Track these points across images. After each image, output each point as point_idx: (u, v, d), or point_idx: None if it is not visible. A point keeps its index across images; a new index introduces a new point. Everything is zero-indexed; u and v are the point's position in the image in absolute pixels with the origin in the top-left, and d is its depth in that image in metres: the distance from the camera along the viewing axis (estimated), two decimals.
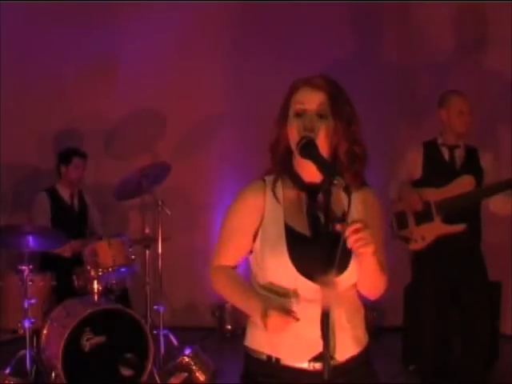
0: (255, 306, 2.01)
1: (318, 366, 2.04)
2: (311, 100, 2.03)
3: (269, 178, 2.12)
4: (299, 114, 2.04)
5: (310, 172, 2.04)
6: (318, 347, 2.01)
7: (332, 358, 2.02)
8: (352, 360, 2.09)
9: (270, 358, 2.09)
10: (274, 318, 1.95)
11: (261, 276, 2.10)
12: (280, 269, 2.03)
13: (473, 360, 4.39)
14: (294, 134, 2.03)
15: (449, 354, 4.49)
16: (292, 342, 2.04)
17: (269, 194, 2.09)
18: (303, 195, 2.08)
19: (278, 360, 2.08)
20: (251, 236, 2.11)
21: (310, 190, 2.07)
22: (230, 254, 2.18)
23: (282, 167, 2.10)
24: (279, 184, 2.10)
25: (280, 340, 2.05)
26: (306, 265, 2.02)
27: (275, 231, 2.05)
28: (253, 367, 2.15)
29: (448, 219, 4.28)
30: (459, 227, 4.27)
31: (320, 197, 2.04)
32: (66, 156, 5.50)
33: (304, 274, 2.02)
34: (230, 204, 2.17)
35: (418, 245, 4.36)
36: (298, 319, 1.96)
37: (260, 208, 2.09)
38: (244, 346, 2.18)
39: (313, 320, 2.02)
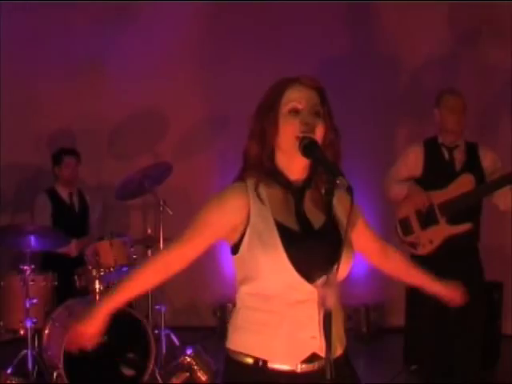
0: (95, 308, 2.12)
1: (305, 367, 2.02)
2: (306, 98, 2.02)
3: (250, 180, 2.06)
4: (295, 112, 2.02)
5: (294, 170, 2.05)
6: (309, 349, 2.01)
7: (321, 358, 2.00)
8: (337, 360, 2.04)
9: (256, 361, 2.03)
10: (81, 331, 2.07)
11: (249, 278, 2.04)
12: (275, 265, 1.97)
13: (470, 360, 4.39)
14: (290, 132, 2.01)
15: (449, 354, 4.49)
16: (283, 344, 2.01)
17: (252, 195, 2.03)
18: (289, 194, 2.06)
19: (264, 363, 2.02)
20: (221, 235, 2.05)
21: (296, 188, 2.06)
22: (189, 247, 2.07)
23: (267, 166, 2.05)
24: (262, 184, 2.04)
25: (270, 343, 2.02)
26: (301, 261, 1.98)
27: (265, 228, 1.99)
28: (236, 371, 2.08)
29: (452, 220, 4.28)
30: (466, 227, 4.26)
31: (307, 195, 2.06)
32: (57, 156, 5.56)
33: (299, 270, 1.97)
34: (210, 200, 2.08)
35: (425, 249, 4.33)
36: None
37: (244, 208, 2.02)
38: (226, 349, 2.10)
39: (304, 321, 2.00)
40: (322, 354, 1.99)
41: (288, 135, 2.01)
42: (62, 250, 5.09)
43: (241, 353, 2.06)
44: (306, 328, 2.01)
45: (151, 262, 2.21)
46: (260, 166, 2.05)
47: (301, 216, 2.04)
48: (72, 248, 5.13)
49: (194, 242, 2.08)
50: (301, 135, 1.99)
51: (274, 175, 2.05)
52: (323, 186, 2.05)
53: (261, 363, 2.02)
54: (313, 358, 2.02)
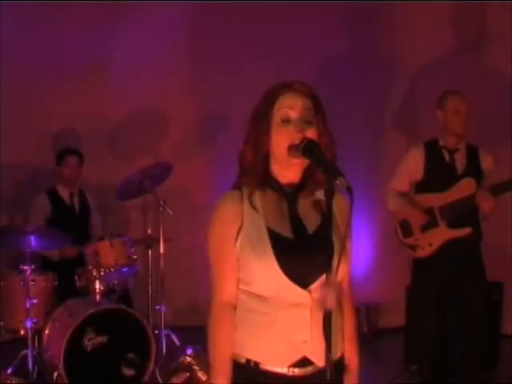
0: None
1: (296, 371, 2.03)
2: (298, 106, 2.03)
3: (245, 188, 2.08)
4: (287, 120, 2.02)
5: (287, 176, 2.07)
6: (300, 352, 2.02)
7: (312, 364, 2.02)
8: (334, 364, 2.01)
9: (248, 361, 2.05)
10: None
11: (244, 280, 2.06)
12: (266, 272, 1.99)
13: (471, 360, 4.40)
14: (282, 140, 2.01)
15: (449, 354, 4.49)
16: (274, 347, 2.02)
17: (246, 203, 2.05)
18: (283, 199, 2.07)
19: (256, 364, 2.04)
20: (234, 242, 2.05)
21: (290, 192, 2.07)
22: (230, 280, 2.07)
23: (261, 172, 2.06)
24: (256, 192, 2.06)
25: (262, 344, 2.03)
26: (292, 268, 1.99)
27: (257, 235, 2.02)
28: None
29: (452, 222, 4.27)
30: (465, 230, 4.26)
31: (300, 200, 2.07)
32: (59, 156, 5.55)
33: (290, 276, 1.99)
34: (211, 222, 2.10)
35: (425, 251, 4.34)
36: None
37: (239, 215, 2.04)
38: None
39: (296, 325, 2.01)
40: (313, 359, 2.01)
41: (280, 144, 2.02)
42: (46, 252, 5.12)
43: (233, 353, 2.08)
44: (297, 331, 2.01)
45: (217, 323, 2.08)
46: (255, 172, 2.07)
47: (294, 220, 2.05)
48: (55, 252, 5.17)
49: (230, 275, 2.06)
50: (293, 143, 1.99)
51: (268, 181, 2.07)
52: (318, 190, 2.06)
53: (253, 364, 2.05)
54: (304, 362, 2.03)
